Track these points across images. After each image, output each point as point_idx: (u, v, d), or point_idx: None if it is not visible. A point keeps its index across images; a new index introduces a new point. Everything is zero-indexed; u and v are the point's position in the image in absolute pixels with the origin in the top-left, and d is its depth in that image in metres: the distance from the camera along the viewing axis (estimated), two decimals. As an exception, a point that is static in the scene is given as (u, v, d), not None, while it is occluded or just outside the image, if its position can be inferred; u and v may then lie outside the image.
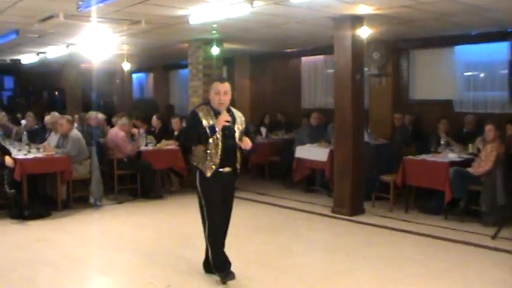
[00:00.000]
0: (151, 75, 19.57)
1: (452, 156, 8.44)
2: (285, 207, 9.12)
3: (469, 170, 7.93)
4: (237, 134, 5.17)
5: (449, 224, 7.82)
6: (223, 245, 5.33)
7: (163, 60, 16.70)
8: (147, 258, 6.21)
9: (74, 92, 16.19)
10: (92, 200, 9.15)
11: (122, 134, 9.65)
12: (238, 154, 5.25)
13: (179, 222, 8.20)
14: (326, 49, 12.33)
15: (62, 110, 13.56)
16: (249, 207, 9.13)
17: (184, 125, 11.01)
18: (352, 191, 8.48)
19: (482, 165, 7.74)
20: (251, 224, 7.95)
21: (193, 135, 5.07)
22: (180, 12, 7.80)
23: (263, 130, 12.33)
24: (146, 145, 10.23)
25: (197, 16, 7.95)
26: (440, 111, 10.50)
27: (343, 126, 8.54)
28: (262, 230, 7.70)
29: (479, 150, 8.16)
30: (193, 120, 5.12)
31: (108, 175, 9.74)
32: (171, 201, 9.69)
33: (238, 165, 5.31)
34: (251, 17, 8.04)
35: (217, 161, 5.08)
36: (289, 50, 13.40)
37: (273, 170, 11.99)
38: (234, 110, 5.33)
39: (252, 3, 6.86)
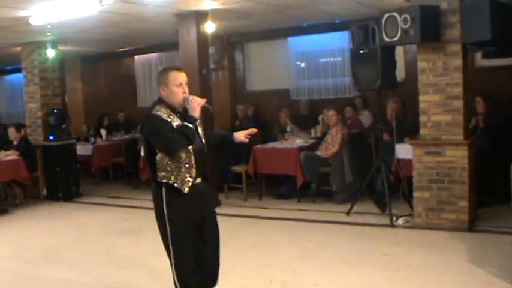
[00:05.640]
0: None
1: (300, 141, 8.91)
2: (147, 208, 8.85)
3: (318, 153, 8.45)
4: (200, 131, 4.06)
5: (303, 206, 8.27)
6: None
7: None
8: (26, 283, 5.56)
9: None
10: None
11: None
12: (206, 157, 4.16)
13: (37, 236, 7.60)
14: (160, 46, 12.38)
15: None
16: (110, 212, 8.90)
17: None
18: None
19: (330, 148, 8.29)
20: (115, 228, 7.74)
21: (176, 136, 3.74)
22: (21, 13, 7.27)
23: (103, 132, 11.97)
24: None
25: (40, 17, 7.46)
26: (278, 100, 11.00)
27: (194, 122, 8.56)
28: (134, 232, 7.46)
29: (324, 135, 8.72)
30: (162, 120, 3.85)
31: None
32: (18, 215, 9.01)
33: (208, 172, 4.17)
34: (94, 17, 7.73)
35: (193, 170, 3.91)
36: (121, 49, 13.11)
37: (116, 172, 11.70)
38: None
39: (101, 2, 6.63)
